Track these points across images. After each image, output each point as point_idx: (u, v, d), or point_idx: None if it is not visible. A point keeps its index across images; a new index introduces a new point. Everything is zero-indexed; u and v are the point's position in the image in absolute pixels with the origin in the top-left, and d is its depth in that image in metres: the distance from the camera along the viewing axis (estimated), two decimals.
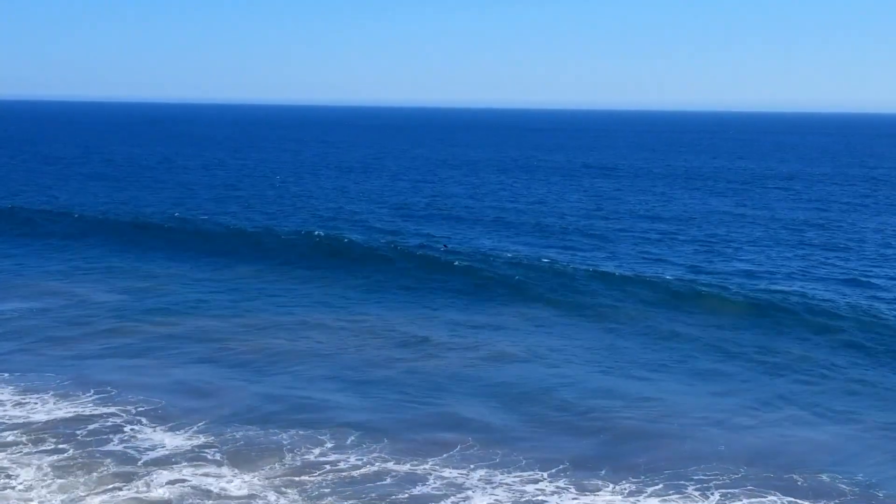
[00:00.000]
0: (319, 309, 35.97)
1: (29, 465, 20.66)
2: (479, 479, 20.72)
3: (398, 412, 24.79)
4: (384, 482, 20.49)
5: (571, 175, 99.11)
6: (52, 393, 25.45)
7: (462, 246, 48.37)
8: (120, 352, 29.82)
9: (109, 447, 21.88)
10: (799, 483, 20.70)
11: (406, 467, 21.25)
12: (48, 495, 19.22)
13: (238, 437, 22.63)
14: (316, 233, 51.13)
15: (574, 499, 19.86)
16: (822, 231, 56.36)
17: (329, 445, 22.26)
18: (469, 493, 20.00)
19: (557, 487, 20.36)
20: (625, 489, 20.35)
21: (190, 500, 19.20)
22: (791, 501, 19.92)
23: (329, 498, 19.60)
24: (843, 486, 20.55)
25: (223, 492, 19.66)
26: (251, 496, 19.52)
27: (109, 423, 23.30)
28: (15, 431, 22.54)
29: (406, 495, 19.87)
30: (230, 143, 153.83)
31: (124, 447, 21.92)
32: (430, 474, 20.83)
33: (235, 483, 20.08)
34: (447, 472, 20.97)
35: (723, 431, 23.71)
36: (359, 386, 26.91)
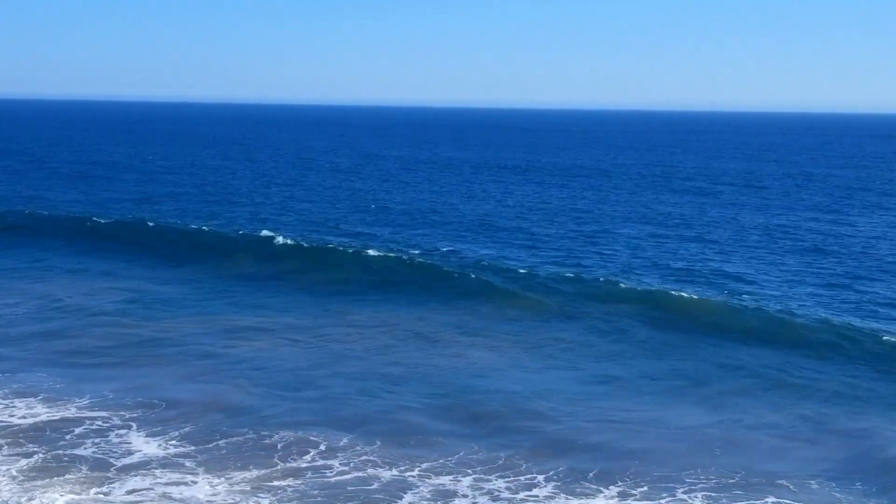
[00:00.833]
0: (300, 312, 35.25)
1: None
2: (468, 487, 20.03)
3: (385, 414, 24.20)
4: (371, 487, 19.87)
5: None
6: (41, 396, 24.91)
7: (497, 262, 43.84)
8: (101, 354, 29.24)
9: (85, 451, 21.30)
10: (791, 488, 20.02)
11: (393, 472, 20.58)
12: (9, 496, 18.71)
13: (223, 443, 21.96)
14: (276, 239, 48.45)
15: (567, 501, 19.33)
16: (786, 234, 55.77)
17: (321, 449, 21.58)
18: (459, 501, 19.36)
19: (550, 492, 19.86)
20: (619, 493, 19.58)
21: None
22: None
23: (307, 500, 19.00)
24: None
25: (193, 498, 19.04)
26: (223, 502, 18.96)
27: (95, 427, 22.69)
28: None
29: (392, 501, 19.27)
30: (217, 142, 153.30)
31: (101, 451, 21.31)
32: (420, 480, 20.18)
33: (206, 489, 19.46)
34: (435, 480, 20.28)
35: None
36: (359, 386, 26.32)
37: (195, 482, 19.86)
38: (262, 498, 19.20)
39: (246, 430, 22.82)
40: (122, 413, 23.90)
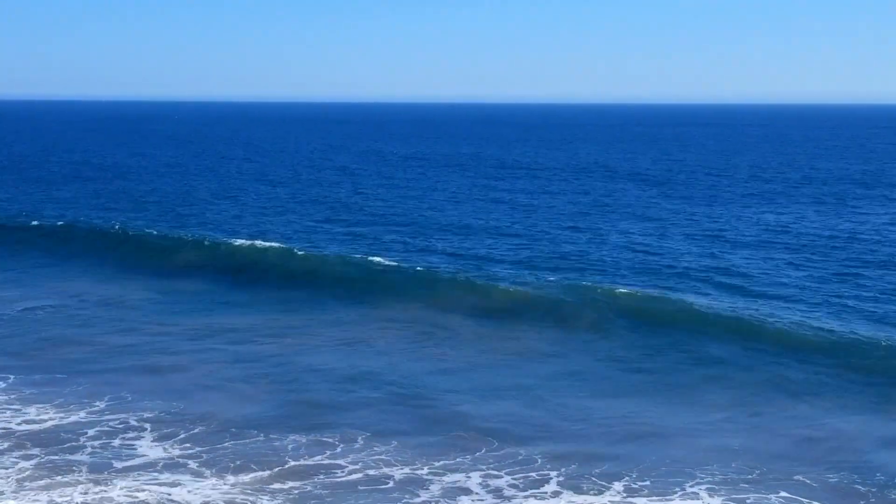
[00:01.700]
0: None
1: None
2: (478, 483, 20.29)
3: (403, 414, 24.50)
4: (386, 486, 20.09)
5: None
6: (41, 401, 24.93)
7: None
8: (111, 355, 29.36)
9: (89, 453, 21.43)
10: (807, 482, 20.16)
11: (406, 471, 20.83)
12: (10, 497, 18.84)
13: (231, 445, 22.07)
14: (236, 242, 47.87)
15: (571, 501, 19.47)
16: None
17: (338, 450, 21.80)
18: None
19: (556, 489, 20.03)
20: (624, 489, 19.81)
21: None
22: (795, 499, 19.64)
23: (312, 501, 19.17)
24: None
25: (199, 498, 19.19)
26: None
27: (99, 430, 22.77)
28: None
29: (406, 499, 19.48)
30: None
31: (105, 454, 21.44)
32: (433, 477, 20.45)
33: (215, 488, 19.59)
34: (449, 477, 20.51)
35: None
36: (360, 386, 26.55)
37: (203, 482, 19.93)
38: (272, 497, 19.31)
39: (255, 431, 22.93)
40: (124, 416, 23.98)
